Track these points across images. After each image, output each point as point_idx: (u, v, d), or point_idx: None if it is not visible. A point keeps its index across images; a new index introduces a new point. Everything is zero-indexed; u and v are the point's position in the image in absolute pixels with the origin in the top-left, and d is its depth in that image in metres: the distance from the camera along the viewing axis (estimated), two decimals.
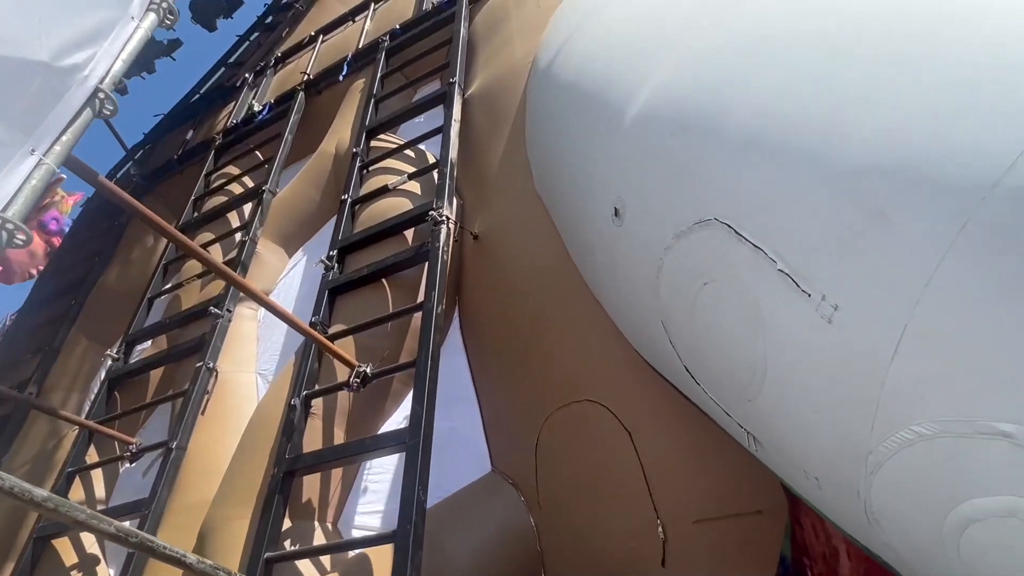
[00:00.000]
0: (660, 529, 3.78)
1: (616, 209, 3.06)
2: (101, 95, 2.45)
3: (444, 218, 5.07)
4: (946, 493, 1.51)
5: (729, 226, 2.18)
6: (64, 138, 2.30)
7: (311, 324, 5.09)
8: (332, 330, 5.08)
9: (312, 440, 4.57)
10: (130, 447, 5.63)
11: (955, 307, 1.45)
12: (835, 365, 1.77)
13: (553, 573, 4.28)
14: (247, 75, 10.50)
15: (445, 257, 4.90)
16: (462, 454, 4.88)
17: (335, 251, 5.66)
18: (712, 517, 3.67)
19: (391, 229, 5.51)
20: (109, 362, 6.80)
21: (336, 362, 4.70)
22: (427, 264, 4.88)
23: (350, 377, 4.48)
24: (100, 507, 5.73)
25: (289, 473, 4.26)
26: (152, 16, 2.87)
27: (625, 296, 3.34)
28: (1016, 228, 1.37)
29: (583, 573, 4.09)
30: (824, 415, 1.86)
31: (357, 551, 4.18)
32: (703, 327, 2.42)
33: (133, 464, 5.74)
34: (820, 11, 2.19)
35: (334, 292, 5.38)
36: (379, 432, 4.88)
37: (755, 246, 2.05)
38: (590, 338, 4.24)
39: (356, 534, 4.60)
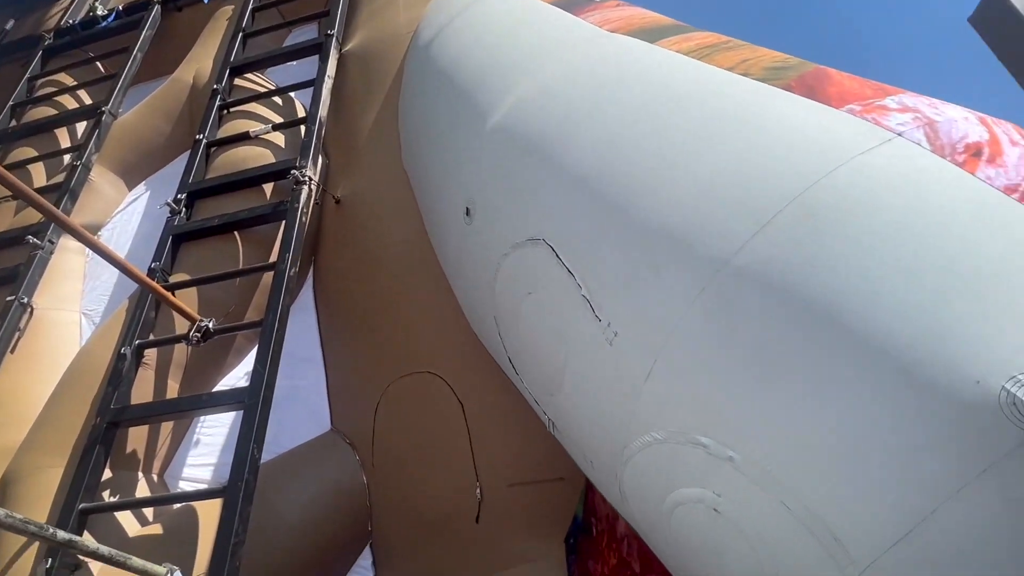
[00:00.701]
0: (478, 491, 4.26)
1: (468, 208, 3.35)
2: None
3: (307, 179, 5.04)
4: (665, 483, 2.02)
5: (553, 249, 2.57)
6: None
7: (150, 270, 4.87)
8: (174, 279, 4.90)
9: (142, 391, 4.45)
10: None
11: (688, 350, 1.93)
12: (610, 378, 2.23)
13: (380, 528, 4.63)
14: None
15: (304, 219, 4.90)
16: (301, 412, 5.02)
17: (184, 194, 5.39)
18: (523, 481, 4.21)
19: (249, 180, 5.35)
20: None
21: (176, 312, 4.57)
22: (284, 224, 4.85)
23: (190, 331, 4.40)
24: None
25: (113, 424, 4.15)
26: None
27: (469, 287, 3.67)
28: (733, 300, 1.86)
29: (407, 528, 4.48)
30: (600, 414, 2.33)
31: (183, 504, 4.20)
32: (524, 330, 2.81)
33: None
34: (647, 81, 2.60)
35: (179, 238, 5.15)
36: (217, 388, 4.86)
37: (569, 271, 2.45)
38: (438, 315, 4.54)
39: (184, 487, 4.61)
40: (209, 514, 4.10)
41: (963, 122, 1.98)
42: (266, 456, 4.87)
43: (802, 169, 1.94)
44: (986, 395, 1.44)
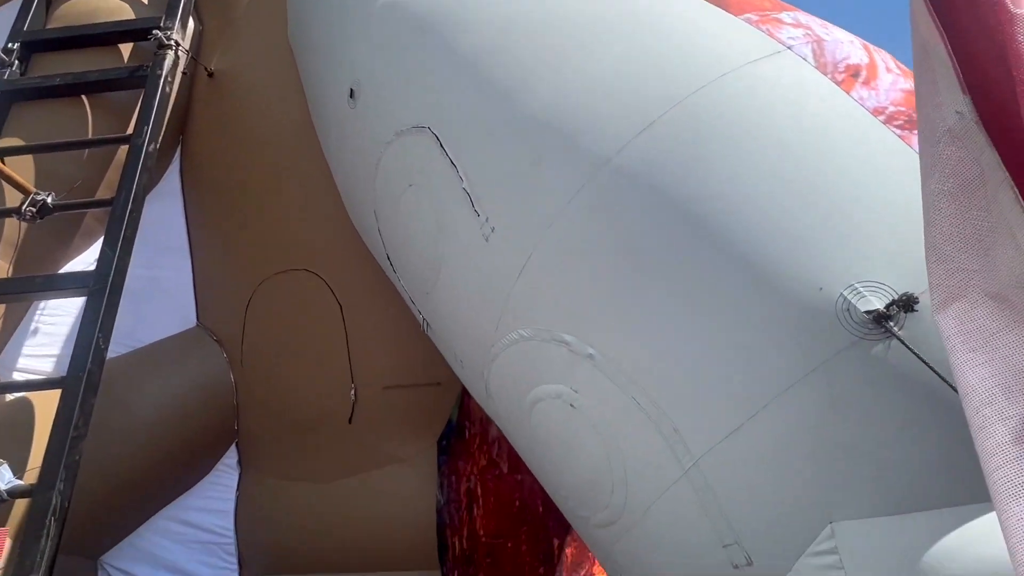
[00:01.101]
0: (353, 392, 4.19)
1: (352, 90, 3.06)
2: None
3: (172, 43, 4.39)
4: (528, 379, 2.03)
5: (437, 138, 2.40)
6: None
7: None
8: (3, 143, 4.19)
9: None
10: None
11: (561, 248, 1.89)
12: (484, 275, 2.17)
13: (247, 427, 4.48)
14: None
15: (167, 88, 4.30)
16: (164, 305, 4.63)
17: (17, 44, 4.53)
18: (400, 385, 4.19)
19: (101, 37, 4.58)
20: None
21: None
22: (143, 92, 4.24)
23: (23, 204, 3.82)
24: None
25: None
26: None
27: (350, 177, 3.44)
28: (611, 198, 1.83)
29: (276, 427, 4.36)
30: (472, 312, 2.29)
31: (18, 395, 3.80)
32: (403, 224, 2.67)
33: None
34: None
35: (10, 96, 4.37)
36: (60, 271, 4.33)
37: (451, 162, 2.31)
38: (319, 208, 4.24)
39: (20, 379, 4.16)
40: (48, 408, 3.74)
41: (848, 44, 2.01)
42: (123, 350, 4.52)
43: (692, 72, 1.89)
44: (826, 301, 1.52)
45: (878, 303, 1.47)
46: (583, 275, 1.83)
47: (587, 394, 1.84)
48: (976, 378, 0.85)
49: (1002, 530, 0.79)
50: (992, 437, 0.82)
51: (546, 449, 2.06)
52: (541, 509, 4.29)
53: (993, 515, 1.45)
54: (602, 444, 1.80)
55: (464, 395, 4.27)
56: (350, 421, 4.18)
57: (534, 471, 2.35)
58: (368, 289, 4.09)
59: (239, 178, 4.63)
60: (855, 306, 1.48)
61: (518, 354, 2.04)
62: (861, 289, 1.49)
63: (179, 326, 4.61)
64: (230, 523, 4.40)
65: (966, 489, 1.38)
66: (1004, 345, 0.84)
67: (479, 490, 4.15)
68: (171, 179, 4.99)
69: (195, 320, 4.67)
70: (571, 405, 1.88)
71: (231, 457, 4.53)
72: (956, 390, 1.37)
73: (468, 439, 4.24)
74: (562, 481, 2.05)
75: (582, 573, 4.34)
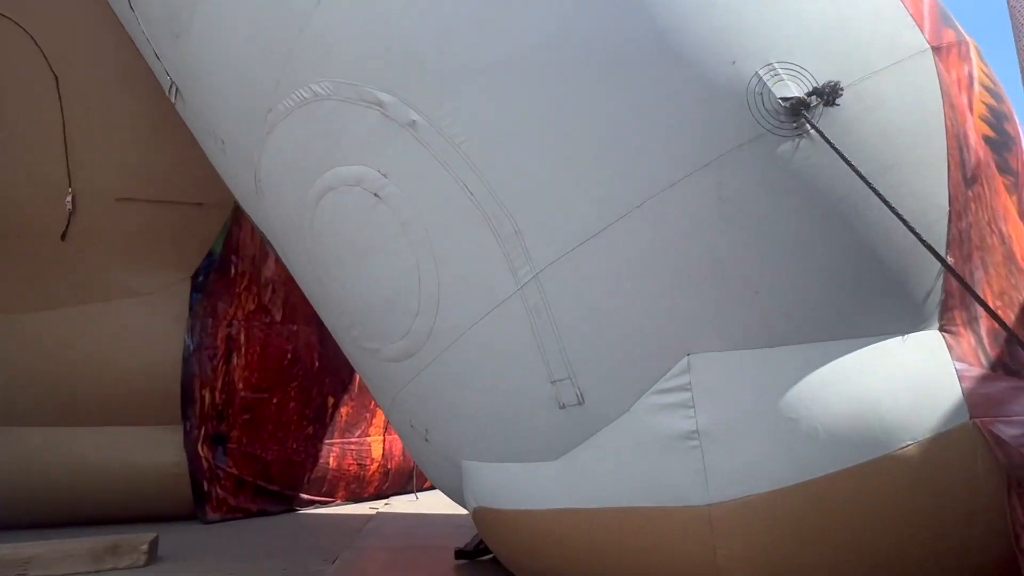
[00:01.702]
0: (70, 200, 3.10)
1: None
2: None
3: None
4: (318, 160, 1.45)
5: None
6: None
7: None
8: None
9: None
10: None
11: None
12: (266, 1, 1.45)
13: None
14: None
15: None
16: None
17: None
18: (142, 199, 3.21)
19: None
20: None
21: None
22: None
23: None
24: None
25: None
26: None
27: None
28: None
29: None
30: (243, 62, 1.58)
31: None
32: None
33: None
34: None
35: None
36: None
37: None
38: None
39: None
40: None
41: None
42: None
43: None
44: (736, 80, 1.17)
45: (797, 90, 1.16)
46: (415, 2, 1.25)
47: (401, 179, 1.32)
48: None
49: None
50: None
51: (331, 257, 1.52)
52: (317, 364, 3.78)
53: (867, 350, 1.32)
54: (412, 248, 1.32)
55: (233, 223, 3.45)
56: (63, 238, 3.12)
57: (308, 290, 1.81)
58: (99, 57, 2.94)
59: None
60: (770, 90, 1.16)
61: (308, 120, 1.42)
62: (780, 71, 1.16)
63: None
64: None
65: (846, 322, 1.20)
66: None
67: (242, 338, 3.47)
68: None
69: None
70: (375, 195, 1.35)
71: None
72: (879, 194, 1.14)
73: (234, 277, 3.47)
74: (348, 302, 1.55)
75: (357, 434, 4.00)
